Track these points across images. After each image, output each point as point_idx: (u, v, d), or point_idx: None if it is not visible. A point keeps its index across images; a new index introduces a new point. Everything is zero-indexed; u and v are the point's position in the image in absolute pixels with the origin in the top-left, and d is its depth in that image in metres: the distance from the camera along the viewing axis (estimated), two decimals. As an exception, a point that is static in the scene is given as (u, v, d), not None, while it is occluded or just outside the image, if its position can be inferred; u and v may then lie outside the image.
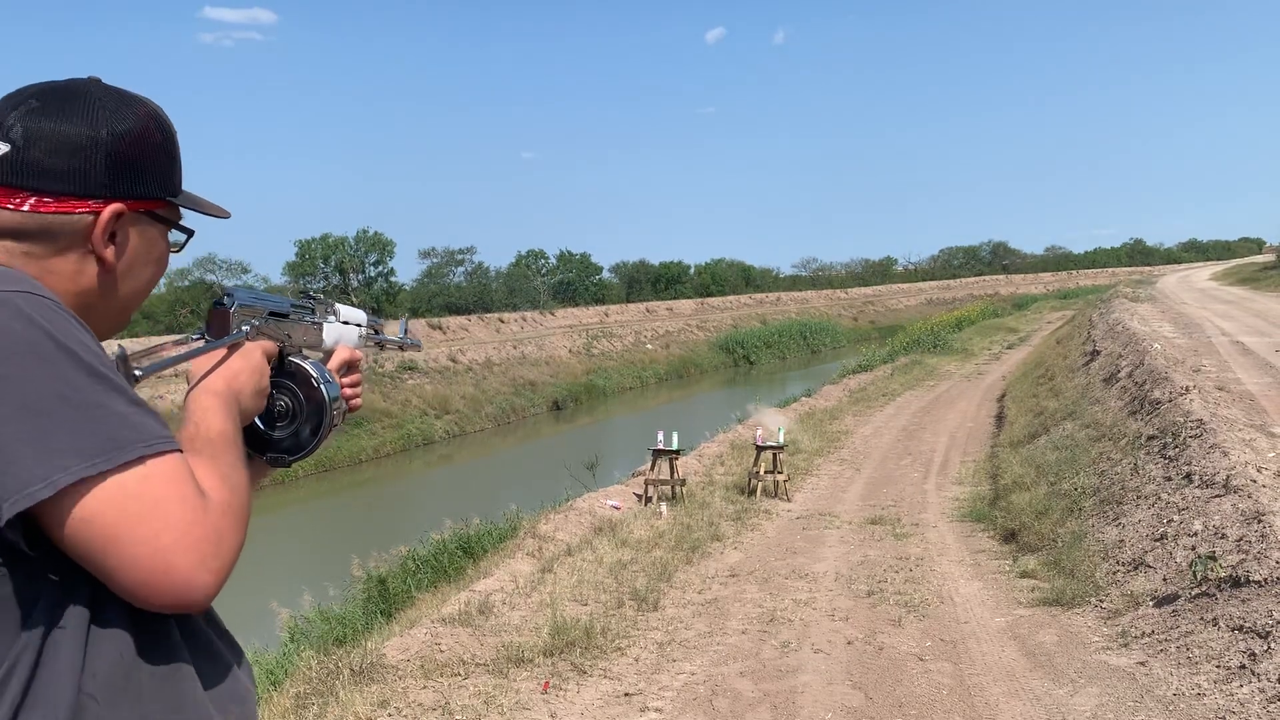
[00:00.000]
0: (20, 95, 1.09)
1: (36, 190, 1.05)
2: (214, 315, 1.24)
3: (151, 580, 0.96)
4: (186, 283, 43.54)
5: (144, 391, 1.06)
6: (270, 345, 1.28)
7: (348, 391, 1.42)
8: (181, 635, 1.08)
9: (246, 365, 1.21)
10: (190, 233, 1.25)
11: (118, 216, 1.10)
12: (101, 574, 0.96)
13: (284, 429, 1.32)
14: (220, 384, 1.17)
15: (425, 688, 5.06)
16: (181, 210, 1.22)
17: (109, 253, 1.10)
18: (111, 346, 1.11)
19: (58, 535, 0.95)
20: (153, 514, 0.96)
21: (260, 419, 1.31)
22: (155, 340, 29.78)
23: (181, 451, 1.03)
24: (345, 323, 1.50)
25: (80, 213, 1.07)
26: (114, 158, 1.09)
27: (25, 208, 1.05)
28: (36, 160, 1.05)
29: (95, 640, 0.98)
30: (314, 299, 1.45)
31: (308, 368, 1.32)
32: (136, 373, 1.09)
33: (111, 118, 1.10)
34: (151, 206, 1.15)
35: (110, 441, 0.95)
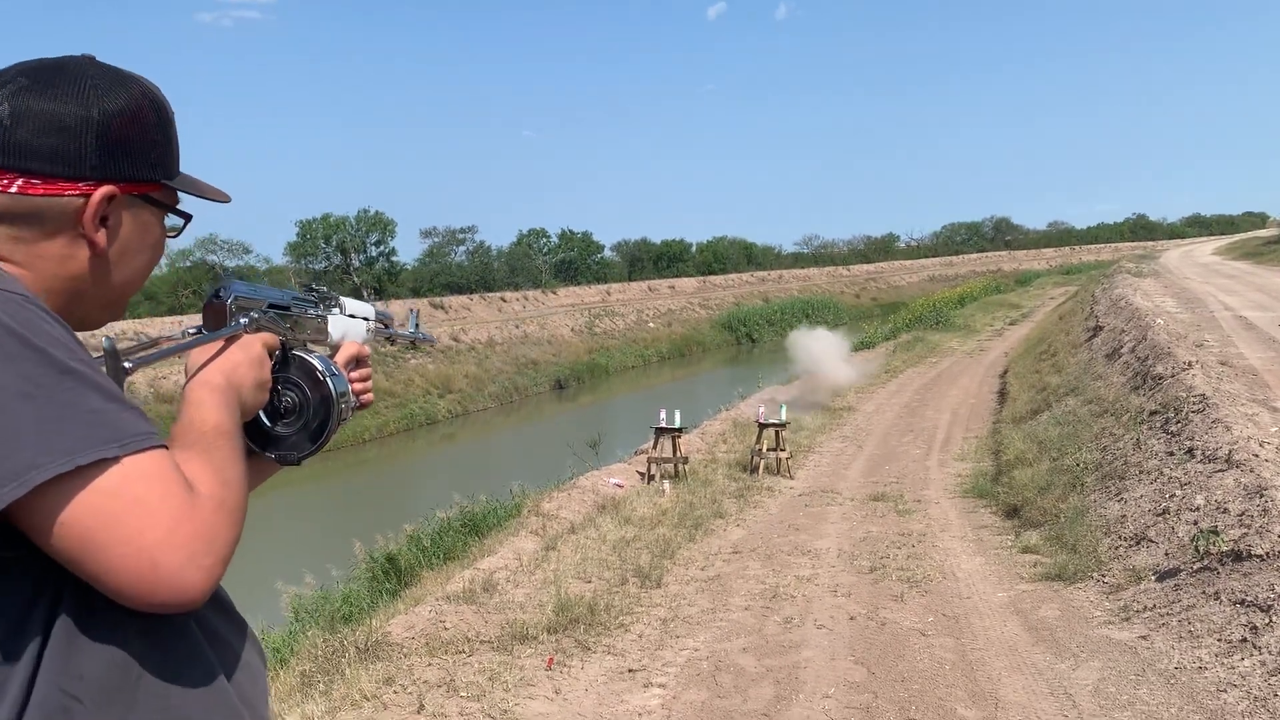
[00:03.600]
0: (9, 73, 1.05)
1: (24, 171, 1.01)
2: (209, 309, 1.18)
3: (138, 581, 0.92)
4: (188, 263, 43.43)
5: (145, 374, 1.04)
6: (271, 338, 1.22)
7: (357, 386, 1.37)
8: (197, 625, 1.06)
9: (246, 357, 1.15)
10: (188, 217, 1.21)
11: (109, 199, 1.05)
12: (87, 577, 0.93)
13: (290, 425, 1.27)
14: (218, 377, 1.11)
15: (430, 665, 5.08)
16: (180, 195, 1.17)
17: (100, 237, 1.05)
18: (98, 338, 1.07)
19: (38, 539, 0.91)
20: (134, 513, 0.92)
21: (266, 415, 1.26)
22: (157, 320, 29.79)
23: (165, 447, 0.99)
24: (352, 316, 1.44)
25: (70, 195, 1.03)
26: (105, 138, 1.04)
27: (12, 189, 1.01)
28: (24, 140, 1.01)
29: (85, 641, 0.95)
30: (317, 292, 1.39)
31: (313, 361, 1.27)
32: (126, 365, 1.04)
33: (104, 96, 1.05)
34: (146, 189, 1.10)
35: (83, 440, 0.91)
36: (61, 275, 1.05)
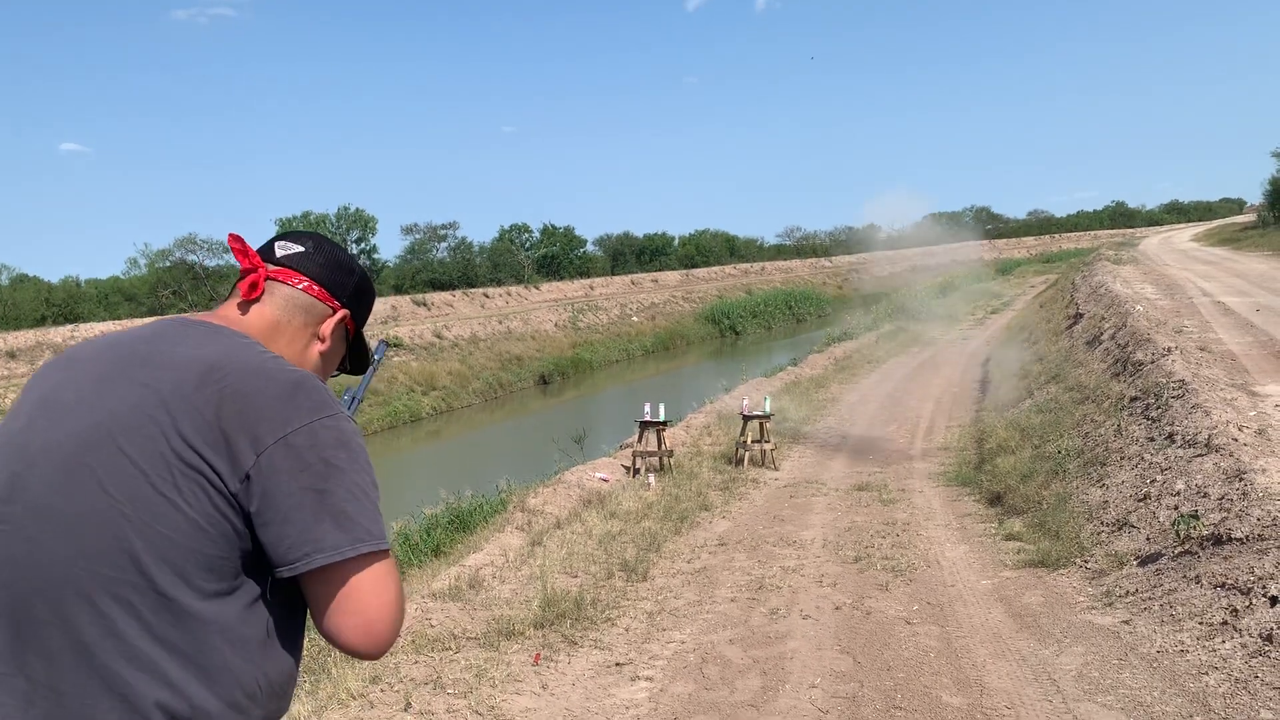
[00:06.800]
0: (302, 232, 1.63)
1: (312, 279, 1.55)
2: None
3: (367, 629, 1.31)
4: (168, 263, 43.10)
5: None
6: None
7: None
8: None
9: None
10: (344, 370, 1.71)
11: (342, 319, 1.60)
12: (332, 613, 1.30)
13: None
14: None
15: (417, 662, 5.07)
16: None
17: (327, 340, 1.57)
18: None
19: (316, 579, 1.31)
20: (386, 587, 1.33)
21: None
22: (137, 321, 29.53)
23: None
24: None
25: (326, 304, 1.57)
26: (359, 286, 1.63)
27: (300, 286, 1.54)
28: (319, 262, 1.57)
29: (277, 652, 1.33)
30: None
31: None
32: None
33: (361, 266, 1.65)
34: (351, 327, 1.65)
35: (382, 531, 1.34)
36: (304, 361, 1.54)
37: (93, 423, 1.30)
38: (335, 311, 1.57)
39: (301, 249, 1.56)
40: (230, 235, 1.54)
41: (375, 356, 1.88)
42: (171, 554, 1.25)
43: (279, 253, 1.55)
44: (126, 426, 1.28)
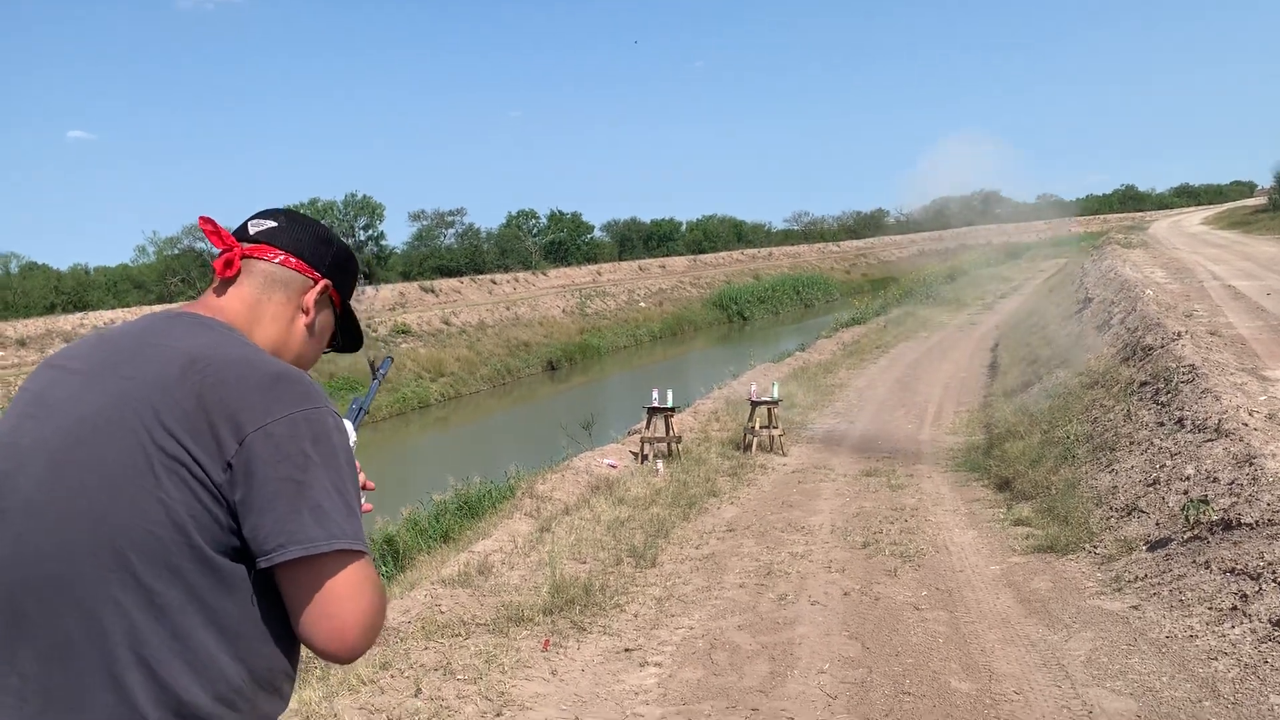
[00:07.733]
0: (274, 209, 1.60)
1: (289, 251, 1.54)
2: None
3: (339, 633, 1.29)
4: (176, 251, 43.12)
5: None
6: None
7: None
8: None
9: None
10: (337, 347, 1.71)
11: (324, 290, 1.58)
12: (307, 614, 1.29)
13: None
14: None
15: (426, 648, 5.10)
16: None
17: (310, 312, 1.56)
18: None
19: (292, 575, 1.29)
20: (361, 591, 1.31)
21: None
22: (144, 309, 29.62)
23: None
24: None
25: (306, 276, 1.55)
26: (338, 255, 1.61)
27: (277, 260, 1.52)
28: (294, 235, 1.56)
29: (269, 648, 1.31)
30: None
31: None
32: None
33: (339, 237, 1.65)
34: (337, 300, 1.63)
35: (359, 532, 1.32)
36: (291, 337, 1.54)
37: (78, 418, 1.30)
38: (316, 282, 1.56)
39: (275, 224, 1.56)
40: (201, 218, 1.53)
41: (380, 371, 1.88)
42: (156, 549, 1.24)
43: (252, 230, 1.55)
44: (109, 421, 1.29)
